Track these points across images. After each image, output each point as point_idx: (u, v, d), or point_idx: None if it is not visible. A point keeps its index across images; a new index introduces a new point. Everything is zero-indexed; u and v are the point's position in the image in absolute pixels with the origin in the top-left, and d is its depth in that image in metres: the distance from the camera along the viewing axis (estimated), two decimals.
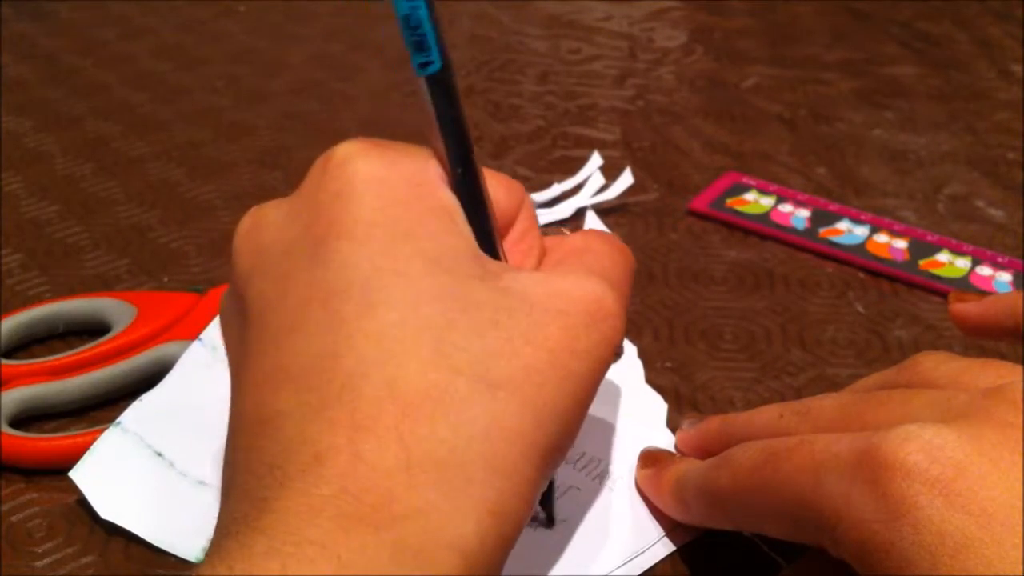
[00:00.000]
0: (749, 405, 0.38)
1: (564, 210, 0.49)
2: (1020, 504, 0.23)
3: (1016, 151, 0.55)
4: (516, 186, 0.30)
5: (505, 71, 0.63)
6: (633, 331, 0.42)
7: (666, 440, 0.36)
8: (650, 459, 0.34)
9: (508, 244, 0.29)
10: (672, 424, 0.37)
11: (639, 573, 0.32)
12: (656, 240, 0.48)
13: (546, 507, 0.33)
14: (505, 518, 0.23)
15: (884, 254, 0.46)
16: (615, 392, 0.38)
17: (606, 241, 0.30)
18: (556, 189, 0.50)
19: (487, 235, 0.27)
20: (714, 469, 0.30)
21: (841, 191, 0.51)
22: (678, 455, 0.35)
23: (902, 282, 0.45)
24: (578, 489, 0.34)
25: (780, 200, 0.50)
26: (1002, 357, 0.29)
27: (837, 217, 0.49)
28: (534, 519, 0.33)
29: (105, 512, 0.33)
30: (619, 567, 0.32)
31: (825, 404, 0.30)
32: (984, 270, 0.45)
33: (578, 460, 0.35)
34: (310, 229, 0.26)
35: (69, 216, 0.49)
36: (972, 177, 0.53)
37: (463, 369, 0.24)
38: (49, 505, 0.35)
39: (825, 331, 0.42)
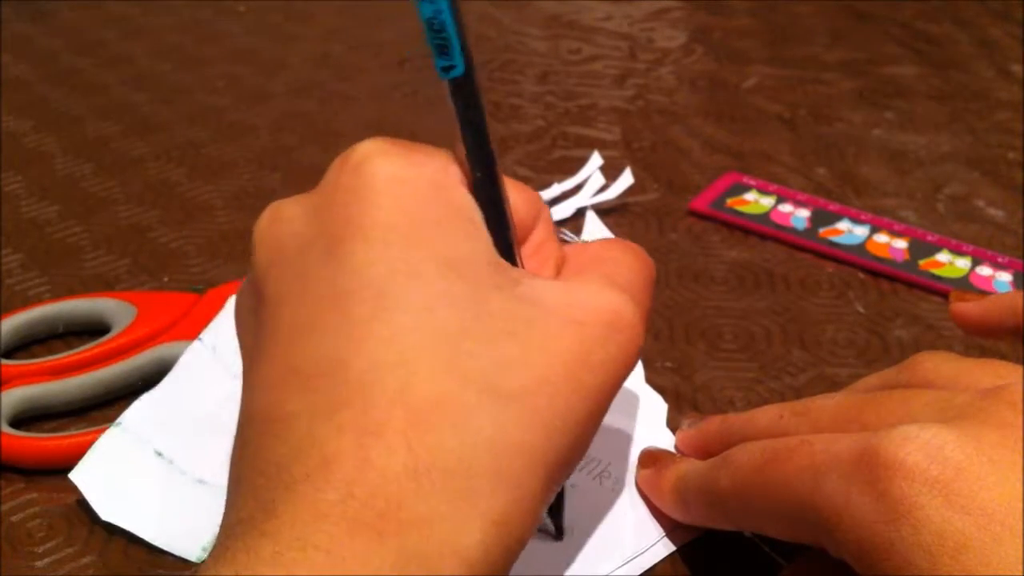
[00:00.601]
0: (749, 405, 0.38)
1: (564, 210, 0.49)
2: (1020, 504, 0.23)
3: (1016, 151, 0.55)
4: (535, 196, 0.30)
5: (505, 71, 0.63)
6: None
7: (666, 440, 0.36)
8: (650, 459, 0.34)
9: (525, 253, 0.29)
10: (672, 424, 0.37)
11: (639, 573, 0.32)
12: (656, 240, 0.48)
13: (555, 518, 0.32)
14: (509, 530, 0.23)
15: (884, 254, 0.46)
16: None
17: (627, 250, 0.29)
18: (556, 189, 0.50)
19: (506, 241, 0.27)
20: (714, 469, 0.30)
21: (841, 191, 0.51)
22: (678, 455, 0.35)
23: (902, 282, 0.45)
24: (578, 489, 0.34)
25: (780, 200, 0.50)
26: (1002, 357, 0.29)
27: (837, 217, 0.49)
28: (542, 530, 0.32)
29: (105, 513, 0.33)
30: (619, 567, 0.32)
31: (825, 404, 0.30)
32: (984, 270, 0.45)
33: None
34: (327, 228, 0.25)
35: (69, 216, 0.49)
36: (972, 177, 0.53)
37: (474, 378, 0.23)
38: (49, 505, 0.35)
39: (825, 331, 0.42)
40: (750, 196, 0.50)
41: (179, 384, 0.37)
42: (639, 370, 0.39)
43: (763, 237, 0.48)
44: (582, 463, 0.35)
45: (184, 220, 0.49)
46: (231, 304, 0.40)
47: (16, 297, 0.44)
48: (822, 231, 0.48)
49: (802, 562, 0.30)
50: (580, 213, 0.49)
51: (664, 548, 0.33)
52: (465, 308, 0.24)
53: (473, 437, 0.23)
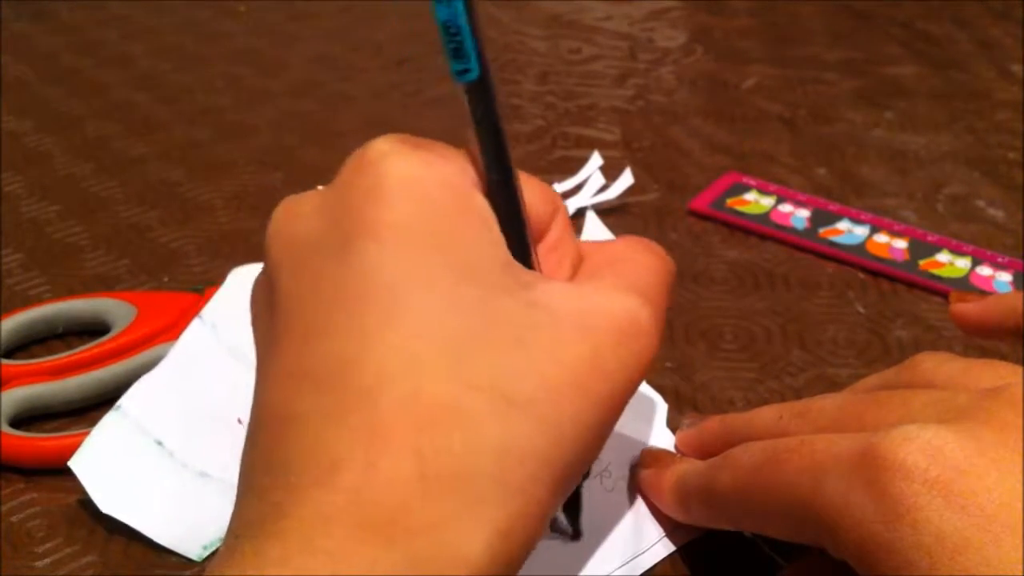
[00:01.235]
0: (749, 405, 0.38)
1: None
2: (1020, 505, 0.23)
3: (1016, 151, 0.55)
4: (551, 192, 0.29)
5: (505, 71, 0.63)
6: None
7: (666, 440, 0.36)
8: (650, 459, 0.34)
9: (542, 252, 0.28)
10: (672, 424, 0.37)
11: (639, 573, 0.32)
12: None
13: (572, 519, 0.32)
14: (514, 537, 0.23)
15: (884, 254, 0.46)
16: None
17: (646, 250, 0.29)
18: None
19: (522, 243, 0.27)
20: (714, 469, 0.30)
21: (841, 191, 0.51)
22: (678, 455, 0.35)
23: (902, 282, 0.45)
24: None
25: (780, 200, 0.50)
26: (1002, 357, 0.29)
27: (837, 217, 0.49)
28: (560, 531, 0.32)
29: (105, 505, 0.33)
30: (619, 567, 0.32)
31: (825, 405, 0.30)
32: (984, 270, 0.45)
33: None
34: (340, 226, 0.25)
35: (69, 216, 0.49)
36: (972, 177, 0.53)
37: (482, 385, 0.23)
38: (49, 505, 0.35)
39: (825, 331, 0.42)
40: (750, 196, 0.50)
41: (179, 365, 0.37)
42: None
43: (763, 237, 0.48)
44: None
45: (184, 220, 0.49)
46: (231, 279, 0.40)
47: (16, 297, 0.44)
48: (822, 231, 0.48)
49: (802, 562, 0.30)
50: (580, 213, 0.49)
51: (664, 548, 0.33)
52: (474, 314, 0.24)
53: (480, 444, 0.23)
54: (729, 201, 0.50)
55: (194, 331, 0.38)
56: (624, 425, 0.36)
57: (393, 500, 0.22)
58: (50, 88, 0.61)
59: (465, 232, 0.25)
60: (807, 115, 0.58)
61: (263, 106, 0.59)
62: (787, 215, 0.49)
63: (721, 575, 0.32)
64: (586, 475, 0.33)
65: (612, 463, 0.35)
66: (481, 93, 0.26)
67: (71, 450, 0.35)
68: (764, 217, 0.49)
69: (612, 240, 0.30)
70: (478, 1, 0.25)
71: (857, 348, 0.42)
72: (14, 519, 0.34)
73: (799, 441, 0.27)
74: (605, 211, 0.49)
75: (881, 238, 0.47)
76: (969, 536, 0.23)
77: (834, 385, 0.39)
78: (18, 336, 0.41)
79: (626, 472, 0.34)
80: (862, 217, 0.49)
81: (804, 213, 0.49)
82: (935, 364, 0.30)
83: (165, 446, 0.35)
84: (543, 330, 0.24)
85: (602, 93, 0.61)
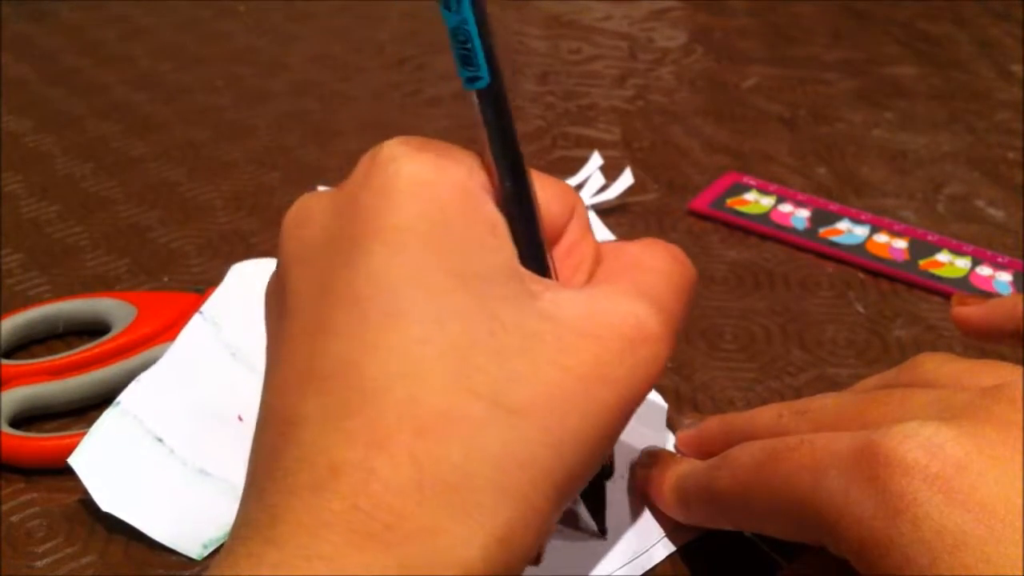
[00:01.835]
0: (749, 405, 0.38)
1: None
2: (1020, 501, 0.23)
3: (1016, 151, 0.55)
4: (567, 192, 0.29)
5: (505, 71, 0.63)
6: None
7: (666, 440, 0.36)
8: (650, 459, 0.34)
9: (558, 255, 0.28)
10: (672, 424, 0.37)
11: (640, 573, 0.32)
12: None
13: (597, 518, 0.32)
14: (512, 545, 0.23)
15: (884, 254, 0.46)
16: None
17: (665, 257, 0.28)
18: None
19: (536, 249, 0.27)
20: (714, 469, 0.30)
21: (841, 191, 0.51)
22: (678, 455, 0.35)
23: (902, 282, 0.45)
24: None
25: (780, 200, 0.50)
26: (1002, 358, 0.29)
27: (837, 217, 0.49)
28: (584, 530, 0.32)
29: (105, 503, 0.33)
30: (620, 567, 0.32)
31: (825, 403, 0.30)
32: (984, 270, 0.45)
33: None
34: (349, 227, 0.25)
35: (69, 216, 0.49)
36: (972, 177, 0.53)
37: (482, 392, 0.23)
38: (49, 505, 0.35)
39: (825, 331, 0.42)
40: (750, 196, 0.50)
41: (179, 362, 0.37)
42: None
43: (763, 237, 0.48)
44: None
45: (184, 220, 0.49)
46: (232, 275, 0.40)
47: (16, 297, 0.44)
48: (822, 231, 0.48)
49: (802, 561, 0.30)
50: None
51: (664, 548, 0.33)
52: (477, 322, 0.24)
53: (479, 452, 0.23)
54: (729, 201, 0.50)
55: (194, 327, 0.38)
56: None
57: (390, 506, 0.22)
58: (50, 88, 0.61)
59: (472, 239, 0.25)
60: (807, 115, 0.58)
61: (263, 106, 0.59)
62: (787, 215, 0.49)
63: (721, 575, 0.32)
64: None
65: (612, 463, 0.35)
66: (492, 99, 0.26)
67: (71, 450, 0.35)
68: (764, 217, 0.49)
69: (631, 243, 0.29)
70: (488, 6, 0.25)
71: (857, 348, 0.42)
72: (14, 519, 0.34)
73: (799, 440, 0.27)
74: (605, 211, 0.49)
75: (881, 238, 0.47)
76: (969, 532, 0.23)
77: (834, 385, 0.39)
78: (18, 336, 0.41)
79: (626, 472, 0.34)
80: (862, 217, 0.49)
81: (804, 213, 0.49)
82: (936, 364, 0.30)
83: (165, 443, 0.35)
84: (546, 338, 0.24)
85: (602, 93, 0.61)
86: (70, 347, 0.40)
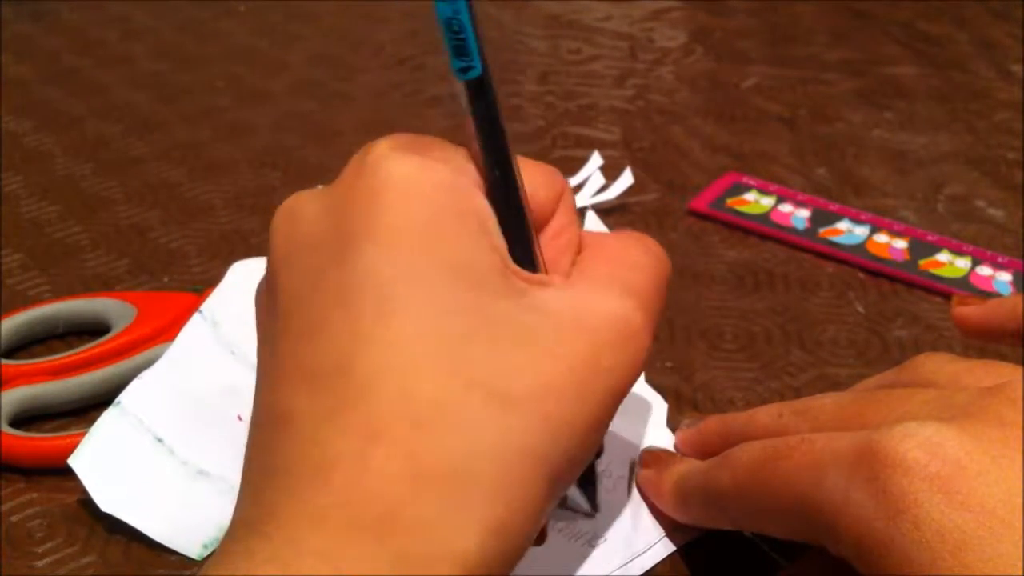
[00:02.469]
0: (749, 405, 0.38)
1: None
2: (1020, 501, 0.23)
3: (1016, 151, 0.55)
4: (555, 176, 0.29)
5: (505, 71, 0.63)
6: None
7: (666, 440, 0.36)
8: (650, 459, 0.34)
9: (545, 239, 0.29)
10: (672, 424, 0.37)
11: (640, 573, 0.32)
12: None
13: (589, 495, 0.32)
14: (508, 534, 0.23)
15: (884, 254, 0.46)
16: None
17: (646, 252, 0.29)
18: None
19: (524, 241, 0.27)
20: (714, 469, 0.30)
21: (841, 191, 0.51)
22: (678, 455, 0.35)
23: (902, 282, 0.45)
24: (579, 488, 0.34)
25: (780, 200, 0.50)
26: (1002, 358, 0.29)
27: (837, 217, 0.49)
28: (575, 509, 0.33)
29: (105, 504, 0.33)
30: (619, 567, 0.32)
31: (825, 403, 0.30)
32: (984, 270, 0.45)
33: None
34: (339, 226, 0.25)
35: (69, 216, 0.49)
36: (972, 177, 0.53)
37: (478, 383, 0.23)
38: (49, 505, 0.35)
39: (825, 331, 0.42)
40: (750, 196, 0.50)
41: (179, 362, 0.37)
42: None
43: (763, 237, 0.48)
44: None
45: (184, 220, 0.49)
46: (231, 274, 0.40)
47: (16, 297, 0.44)
48: (822, 231, 0.48)
49: (802, 561, 0.30)
50: (580, 213, 0.49)
51: (664, 548, 0.33)
52: (470, 315, 0.24)
53: (475, 442, 0.23)
54: (729, 201, 0.50)
55: (194, 327, 0.38)
56: (624, 425, 0.36)
57: (385, 499, 0.22)
58: (50, 88, 0.61)
59: (462, 234, 0.25)
60: (807, 115, 0.58)
61: (263, 106, 0.59)
62: (787, 215, 0.49)
63: (721, 575, 0.32)
64: (599, 452, 0.33)
65: (612, 463, 0.35)
66: (482, 90, 0.26)
67: (71, 450, 0.35)
68: (764, 217, 0.49)
69: (609, 235, 0.30)
70: (484, 5, 0.25)
71: (857, 348, 0.42)
72: (14, 519, 0.34)
73: (799, 439, 0.27)
74: (605, 211, 0.49)
75: (881, 238, 0.47)
76: (969, 532, 0.23)
77: (834, 385, 0.39)
78: (18, 336, 0.41)
79: (626, 472, 0.34)
80: (862, 217, 0.49)
81: (804, 213, 0.49)
82: (936, 364, 0.30)
83: (165, 443, 0.35)
84: (539, 330, 0.25)
85: (602, 93, 0.61)
86: (70, 347, 0.40)
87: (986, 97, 0.60)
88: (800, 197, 0.50)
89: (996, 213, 0.50)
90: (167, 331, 0.39)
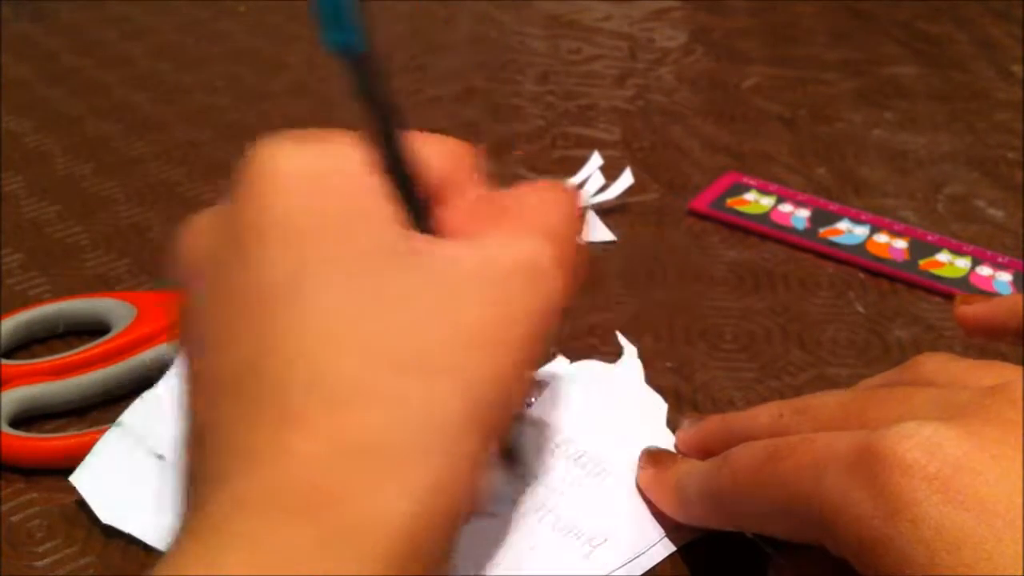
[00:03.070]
0: (749, 405, 0.38)
1: None
2: (1019, 501, 0.23)
3: (1016, 151, 0.55)
4: (458, 149, 0.29)
5: (505, 71, 0.63)
6: (633, 331, 0.42)
7: (666, 440, 0.36)
8: (650, 459, 0.34)
9: (449, 210, 0.28)
10: (672, 424, 0.37)
11: (639, 573, 0.32)
12: (656, 240, 0.48)
13: (513, 453, 0.32)
14: (444, 495, 0.23)
15: (884, 254, 0.46)
16: (615, 392, 0.38)
17: (548, 189, 0.29)
18: None
19: (417, 209, 0.27)
20: (714, 469, 0.30)
21: (841, 191, 0.51)
22: (678, 455, 0.35)
23: (902, 282, 0.45)
24: (578, 488, 0.34)
25: (780, 200, 0.50)
26: (1003, 358, 0.29)
27: (837, 217, 0.49)
28: (510, 470, 0.33)
29: (106, 516, 0.33)
30: (620, 567, 0.32)
31: (825, 402, 0.30)
32: (984, 270, 0.45)
33: (578, 459, 0.35)
34: (234, 234, 0.25)
35: (69, 216, 0.49)
36: (972, 177, 0.53)
37: (390, 356, 0.23)
38: (49, 505, 0.35)
39: (825, 331, 0.42)
40: (750, 196, 0.50)
41: (179, 381, 0.37)
42: (639, 370, 0.39)
43: (763, 237, 0.48)
44: (583, 462, 0.35)
45: (184, 220, 0.49)
46: None
47: (16, 297, 0.44)
48: (822, 231, 0.48)
49: (800, 555, 0.30)
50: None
51: (664, 548, 0.33)
52: (374, 292, 0.24)
53: (395, 412, 0.23)
54: (729, 201, 0.50)
55: None
56: (624, 425, 0.36)
57: (308, 479, 0.22)
58: (50, 88, 0.61)
59: (356, 213, 0.25)
60: (807, 115, 0.58)
61: (263, 106, 0.59)
62: (787, 215, 0.49)
63: (721, 575, 0.32)
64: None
65: (612, 463, 0.35)
66: (362, 64, 0.26)
67: (71, 450, 0.35)
68: (764, 217, 0.49)
69: (513, 189, 0.29)
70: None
71: (857, 348, 0.42)
72: (14, 519, 0.34)
73: (798, 439, 0.27)
74: (605, 211, 0.49)
75: (881, 238, 0.47)
76: (968, 532, 0.23)
77: (834, 385, 0.39)
78: (18, 336, 0.41)
79: (626, 472, 0.34)
80: (862, 217, 0.49)
81: (804, 213, 0.49)
82: (937, 364, 0.30)
83: (166, 460, 0.35)
84: (444, 291, 0.25)
85: (602, 93, 0.61)
86: (70, 347, 0.40)
87: (986, 97, 0.60)
88: (800, 197, 0.50)
89: (996, 213, 0.50)
90: (167, 331, 0.39)
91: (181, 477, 0.25)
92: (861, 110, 0.59)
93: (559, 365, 0.39)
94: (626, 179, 0.50)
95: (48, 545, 0.33)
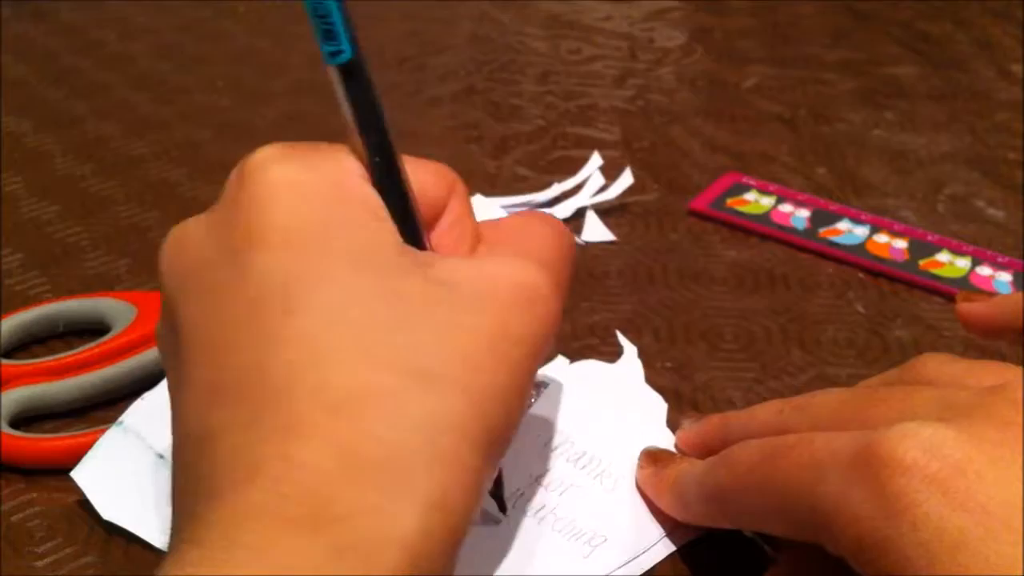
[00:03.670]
0: (749, 405, 0.38)
1: (564, 210, 0.49)
2: (1019, 502, 0.23)
3: (1016, 151, 0.55)
4: (445, 173, 0.29)
5: (505, 71, 0.63)
6: (633, 331, 0.42)
7: (666, 440, 0.36)
8: (650, 459, 0.34)
9: (438, 233, 0.29)
10: (672, 424, 0.37)
11: (639, 573, 0.32)
12: (656, 240, 0.48)
13: (496, 497, 0.32)
14: (449, 510, 0.23)
15: (884, 254, 0.46)
16: (615, 392, 0.38)
17: (543, 223, 0.29)
18: (556, 189, 0.50)
19: (411, 226, 0.27)
20: (714, 468, 0.30)
21: (841, 191, 0.51)
22: (678, 455, 0.35)
23: (902, 282, 0.45)
24: (578, 488, 0.34)
25: (780, 200, 0.50)
26: (1003, 358, 0.29)
27: (837, 217, 0.49)
28: (485, 516, 0.32)
29: (107, 513, 0.33)
30: (620, 567, 0.32)
31: (825, 401, 0.30)
32: (984, 270, 0.45)
33: (578, 460, 0.35)
34: (228, 241, 0.25)
35: (69, 216, 0.49)
36: (972, 177, 0.53)
37: (394, 364, 0.23)
38: (49, 505, 0.35)
39: (825, 331, 0.42)
40: (750, 196, 0.50)
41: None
42: (639, 370, 0.39)
43: (763, 237, 0.48)
44: (583, 463, 0.35)
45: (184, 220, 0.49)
46: None
47: (16, 297, 0.44)
48: (822, 231, 0.48)
49: (799, 552, 0.30)
50: (580, 213, 0.49)
51: (664, 548, 0.33)
52: (374, 299, 0.24)
53: (402, 422, 0.23)
54: (729, 201, 0.50)
55: None
56: (624, 425, 0.36)
57: (314, 490, 0.22)
58: (50, 88, 0.61)
59: (353, 223, 0.25)
60: (807, 115, 0.58)
61: (263, 106, 0.59)
62: (787, 215, 0.49)
63: (721, 575, 0.32)
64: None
65: (612, 463, 0.35)
66: (356, 75, 0.26)
67: (71, 450, 0.35)
68: (764, 217, 0.49)
69: (508, 217, 0.30)
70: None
71: (857, 348, 0.42)
72: (14, 519, 0.34)
73: (798, 438, 0.27)
74: (605, 211, 0.49)
75: (881, 238, 0.47)
76: (968, 533, 0.23)
77: (834, 385, 0.39)
78: (18, 336, 0.41)
79: (626, 472, 0.34)
80: (862, 217, 0.49)
81: (804, 213, 0.49)
82: (937, 364, 0.30)
83: (166, 458, 0.35)
84: (446, 302, 0.25)
85: (602, 93, 0.61)
86: (70, 347, 0.40)
87: (986, 97, 0.60)
88: (800, 197, 0.50)
89: (996, 213, 0.50)
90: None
91: (174, 484, 0.25)
92: (861, 110, 0.59)
93: (559, 365, 0.39)
94: (626, 179, 0.50)
95: (48, 545, 0.33)
